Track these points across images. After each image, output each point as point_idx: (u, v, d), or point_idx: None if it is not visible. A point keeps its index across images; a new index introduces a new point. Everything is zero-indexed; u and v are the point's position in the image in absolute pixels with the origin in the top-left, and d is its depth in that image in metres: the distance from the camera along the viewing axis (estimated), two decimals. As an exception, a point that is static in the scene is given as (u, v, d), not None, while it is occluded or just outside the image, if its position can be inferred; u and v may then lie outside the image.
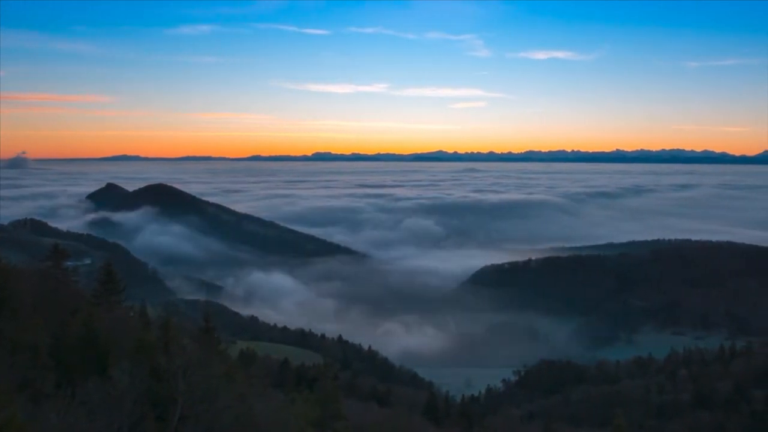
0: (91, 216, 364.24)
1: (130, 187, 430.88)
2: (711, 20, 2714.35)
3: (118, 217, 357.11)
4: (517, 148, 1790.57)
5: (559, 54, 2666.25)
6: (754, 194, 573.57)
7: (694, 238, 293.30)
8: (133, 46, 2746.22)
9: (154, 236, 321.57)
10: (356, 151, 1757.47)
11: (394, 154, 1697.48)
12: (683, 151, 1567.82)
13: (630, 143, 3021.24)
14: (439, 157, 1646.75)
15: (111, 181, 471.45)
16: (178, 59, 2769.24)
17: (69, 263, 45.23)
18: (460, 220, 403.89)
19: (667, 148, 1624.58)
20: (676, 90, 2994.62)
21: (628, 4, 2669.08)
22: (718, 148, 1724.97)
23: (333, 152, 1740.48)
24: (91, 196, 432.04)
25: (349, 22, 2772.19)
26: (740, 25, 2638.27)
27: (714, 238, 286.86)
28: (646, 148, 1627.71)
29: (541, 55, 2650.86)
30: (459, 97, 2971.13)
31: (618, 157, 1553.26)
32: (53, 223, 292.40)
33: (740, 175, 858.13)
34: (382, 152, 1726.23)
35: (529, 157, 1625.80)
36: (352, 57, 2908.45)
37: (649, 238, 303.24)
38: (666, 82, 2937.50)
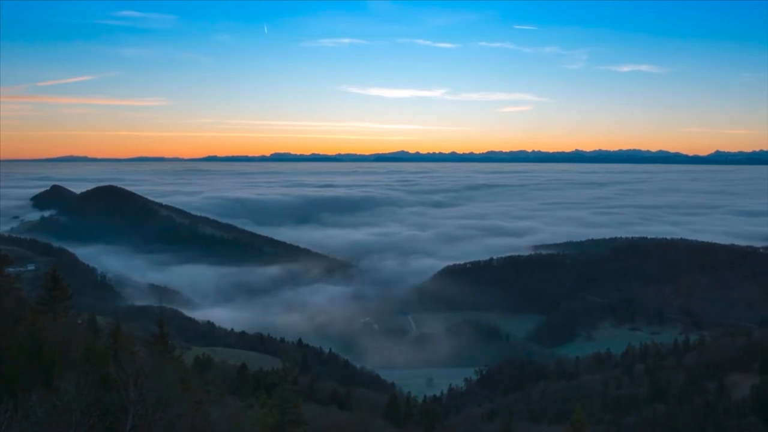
0: (35, 219, 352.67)
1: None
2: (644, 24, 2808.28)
3: (64, 220, 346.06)
4: (479, 149, 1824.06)
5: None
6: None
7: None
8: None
9: (103, 240, 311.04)
10: (315, 152, 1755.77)
11: (354, 155, 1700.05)
12: (639, 151, 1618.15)
13: (589, 144, 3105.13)
14: (400, 157, 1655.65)
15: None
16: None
17: (11, 269, 43.15)
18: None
19: (624, 148, 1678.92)
20: (639, 93, 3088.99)
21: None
22: (673, 148, 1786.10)
23: (292, 152, 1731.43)
24: (35, 199, 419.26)
25: (479, 37, 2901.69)
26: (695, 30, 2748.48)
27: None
28: (604, 148, 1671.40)
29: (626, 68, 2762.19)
30: (507, 101, 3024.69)
31: (577, 156, 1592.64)
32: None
33: (644, 174, 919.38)
34: (342, 152, 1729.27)
35: (490, 157, 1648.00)
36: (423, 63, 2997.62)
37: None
38: (627, 84, 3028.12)
